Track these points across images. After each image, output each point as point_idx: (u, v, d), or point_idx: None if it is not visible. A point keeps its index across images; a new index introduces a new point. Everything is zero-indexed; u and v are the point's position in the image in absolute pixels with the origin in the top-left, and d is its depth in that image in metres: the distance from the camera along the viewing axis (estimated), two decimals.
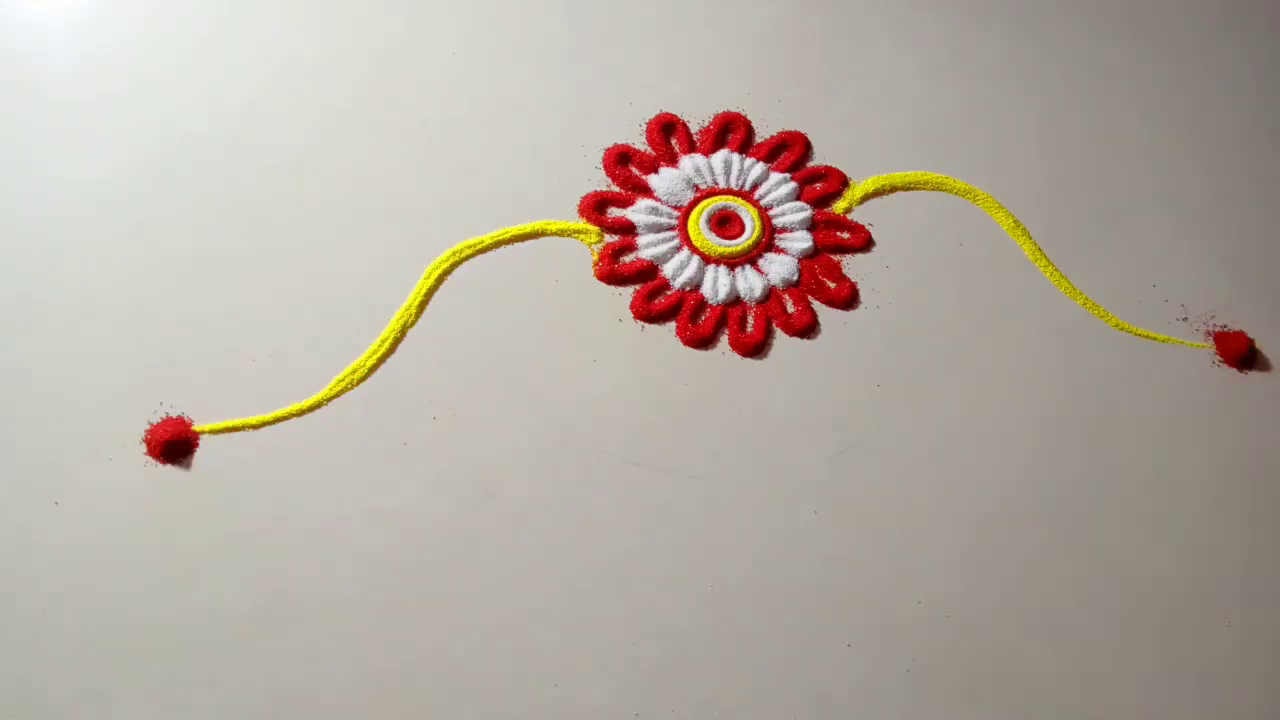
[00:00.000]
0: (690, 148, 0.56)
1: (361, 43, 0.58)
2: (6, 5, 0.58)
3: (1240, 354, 0.51)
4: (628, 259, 0.52)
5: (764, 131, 0.57)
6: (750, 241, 0.53)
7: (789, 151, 0.56)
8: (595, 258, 0.52)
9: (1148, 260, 0.54)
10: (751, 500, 0.46)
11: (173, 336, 0.48)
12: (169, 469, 0.43)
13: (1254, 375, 0.51)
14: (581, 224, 0.53)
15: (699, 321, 0.50)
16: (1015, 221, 0.55)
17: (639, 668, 0.42)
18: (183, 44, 0.57)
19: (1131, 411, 0.49)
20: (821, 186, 0.55)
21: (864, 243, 0.54)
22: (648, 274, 0.52)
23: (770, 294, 0.52)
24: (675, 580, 0.44)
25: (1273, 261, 0.55)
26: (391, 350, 0.48)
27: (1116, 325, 0.52)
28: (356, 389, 0.47)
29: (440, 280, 0.50)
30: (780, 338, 0.50)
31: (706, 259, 0.52)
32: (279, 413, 0.46)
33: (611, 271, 0.51)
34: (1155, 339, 0.52)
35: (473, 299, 0.50)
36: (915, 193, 0.56)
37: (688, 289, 0.51)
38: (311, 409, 0.46)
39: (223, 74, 0.56)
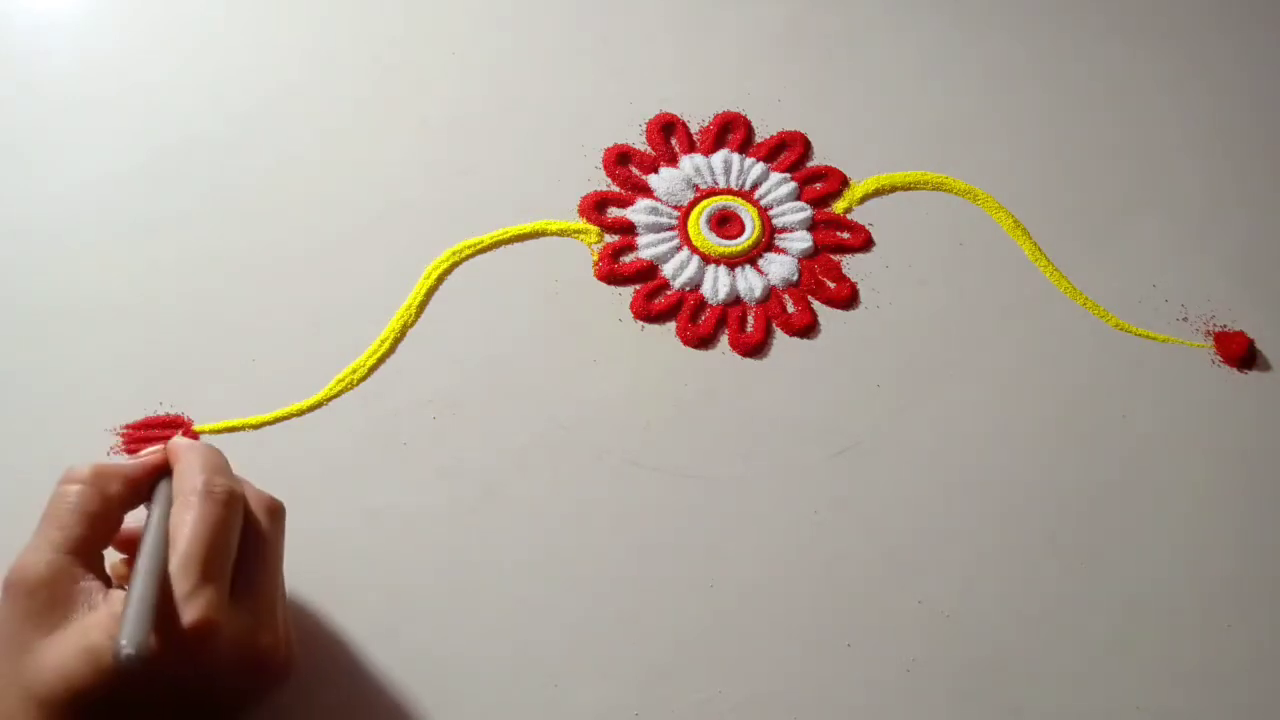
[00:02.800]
0: (690, 148, 0.56)
1: (360, 43, 0.58)
2: (6, 5, 0.58)
3: (1240, 354, 0.51)
4: (628, 259, 0.52)
5: (764, 131, 0.57)
6: (750, 241, 0.53)
7: (789, 151, 0.56)
8: (595, 258, 0.52)
9: (1148, 260, 0.54)
10: (751, 500, 0.46)
11: (173, 336, 0.48)
12: None
13: (1254, 375, 0.51)
14: (581, 224, 0.53)
15: (699, 321, 0.50)
16: (1015, 221, 0.55)
17: (639, 668, 0.42)
18: (182, 45, 0.57)
19: (1131, 411, 0.49)
20: (821, 186, 0.55)
21: (864, 243, 0.54)
22: (648, 274, 0.52)
23: (770, 294, 0.52)
24: (675, 580, 0.44)
25: (1273, 261, 0.55)
26: (391, 350, 0.48)
27: (1116, 325, 0.52)
28: (356, 389, 0.47)
29: (440, 280, 0.50)
30: (780, 338, 0.50)
31: (706, 259, 0.52)
32: (279, 413, 0.46)
33: (611, 271, 0.51)
34: (1155, 339, 0.52)
35: (473, 299, 0.50)
36: (915, 193, 0.56)
37: (688, 289, 0.51)
38: (311, 409, 0.46)
39: (222, 75, 0.56)
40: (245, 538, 0.35)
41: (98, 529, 0.35)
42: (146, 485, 0.37)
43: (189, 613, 0.32)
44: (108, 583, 0.34)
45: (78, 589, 0.33)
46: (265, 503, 0.37)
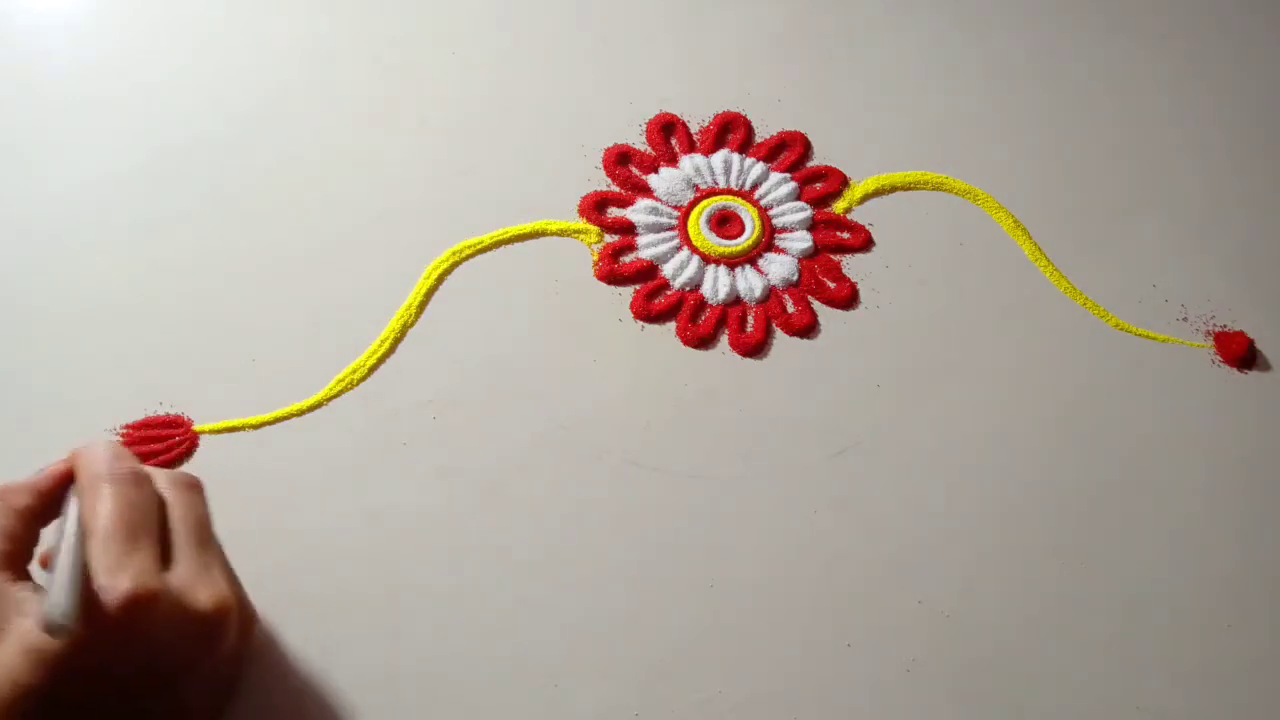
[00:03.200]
0: (690, 148, 0.56)
1: (360, 43, 0.58)
2: (6, 5, 0.58)
3: (1240, 354, 0.51)
4: (628, 259, 0.52)
5: (764, 131, 0.57)
6: (750, 241, 0.53)
7: (789, 151, 0.56)
8: (595, 258, 0.52)
9: (1148, 260, 0.54)
10: (751, 500, 0.46)
11: (173, 336, 0.48)
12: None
13: (1254, 375, 0.51)
14: (581, 224, 0.53)
15: (699, 321, 0.50)
16: (1015, 221, 0.55)
17: (639, 668, 0.42)
18: (182, 45, 0.57)
19: (1131, 411, 0.49)
20: (821, 186, 0.55)
21: (864, 243, 0.54)
22: (648, 274, 0.52)
23: (770, 294, 0.52)
24: (675, 580, 0.44)
25: (1273, 261, 0.55)
26: (391, 350, 0.48)
27: (1116, 325, 0.52)
28: (356, 389, 0.47)
29: (440, 280, 0.50)
30: (780, 338, 0.50)
31: (706, 259, 0.52)
32: (279, 413, 0.46)
33: (611, 271, 0.51)
34: (1155, 339, 0.52)
35: (473, 299, 0.50)
36: (915, 193, 0.56)
37: (688, 289, 0.51)
38: (311, 409, 0.46)
39: (222, 75, 0.56)
40: (166, 512, 0.35)
41: (16, 542, 0.34)
42: (57, 495, 0.36)
43: (118, 585, 0.31)
44: (38, 589, 0.34)
45: (8, 600, 0.33)
46: (180, 478, 0.37)
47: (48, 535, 0.36)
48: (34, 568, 0.35)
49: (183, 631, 0.33)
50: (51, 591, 0.30)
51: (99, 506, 0.34)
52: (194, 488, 0.37)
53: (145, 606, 0.32)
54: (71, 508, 0.35)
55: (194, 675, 0.35)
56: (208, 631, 0.34)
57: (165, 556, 0.34)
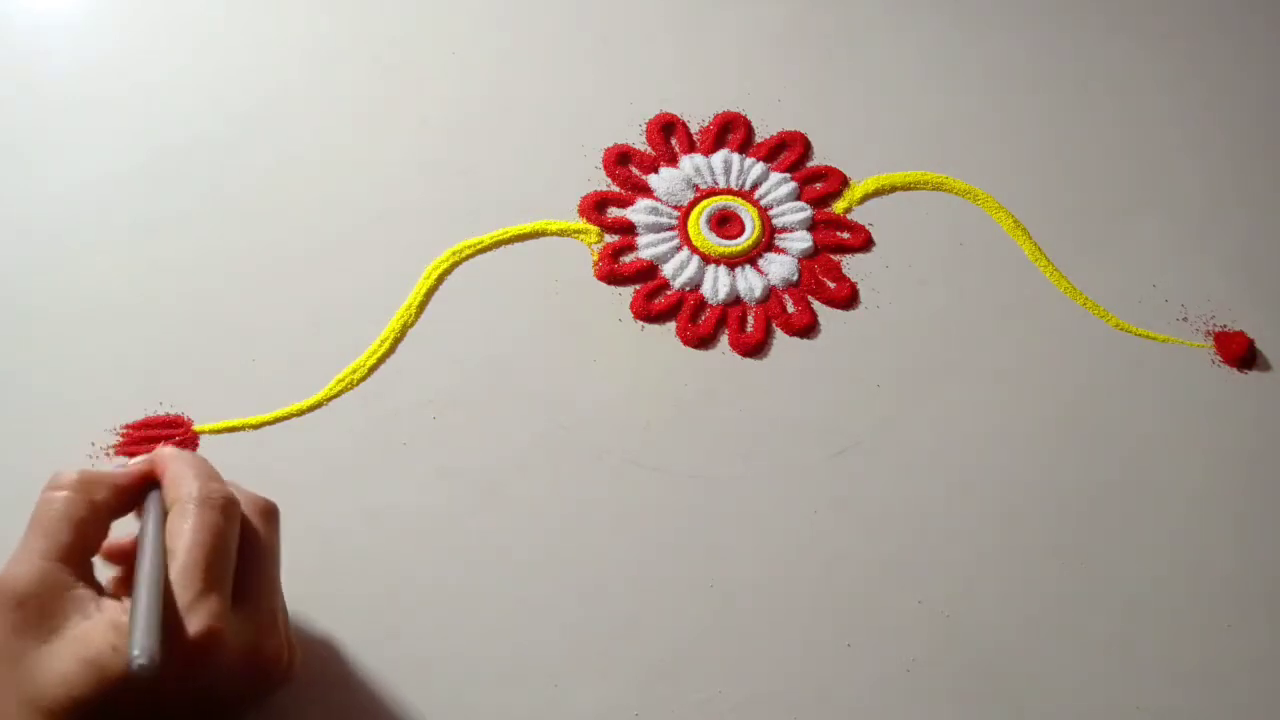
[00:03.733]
0: (690, 148, 0.56)
1: (360, 43, 0.58)
2: (6, 5, 0.58)
3: (1240, 354, 0.51)
4: (628, 259, 0.52)
5: (764, 131, 0.57)
6: (750, 241, 0.53)
7: (789, 151, 0.56)
8: (595, 258, 0.52)
9: (1148, 260, 0.54)
10: (751, 500, 0.46)
11: (173, 336, 0.48)
12: None
13: (1254, 375, 0.51)
14: (581, 224, 0.53)
15: (699, 321, 0.50)
16: (1015, 221, 0.55)
17: (639, 668, 0.42)
18: (182, 45, 0.57)
19: (1131, 411, 0.49)
20: (821, 186, 0.55)
21: (864, 243, 0.54)
22: (648, 274, 0.52)
23: (770, 294, 0.52)
24: (675, 580, 0.44)
25: (1273, 261, 0.55)
26: (391, 350, 0.48)
27: (1116, 325, 0.52)
28: (356, 389, 0.47)
29: (440, 280, 0.50)
30: (780, 338, 0.50)
31: (706, 259, 0.52)
32: (279, 413, 0.46)
33: (611, 271, 0.51)
34: (1155, 339, 0.52)
35: (473, 299, 0.50)
36: (915, 193, 0.56)
37: (688, 289, 0.51)
38: (311, 409, 0.46)
39: (222, 75, 0.56)
40: (242, 542, 0.35)
41: (86, 536, 0.34)
42: (135, 494, 0.36)
43: (193, 622, 0.31)
44: (98, 590, 0.34)
45: (69, 597, 0.32)
46: (259, 505, 0.37)
47: (117, 533, 0.36)
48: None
49: (239, 673, 0.33)
50: (136, 627, 0.30)
51: (186, 529, 0.33)
52: (273, 517, 0.37)
53: (214, 645, 0.32)
54: (151, 521, 0.35)
55: (234, 711, 0.34)
56: (261, 677, 0.34)
57: (238, 587, 0.34)
